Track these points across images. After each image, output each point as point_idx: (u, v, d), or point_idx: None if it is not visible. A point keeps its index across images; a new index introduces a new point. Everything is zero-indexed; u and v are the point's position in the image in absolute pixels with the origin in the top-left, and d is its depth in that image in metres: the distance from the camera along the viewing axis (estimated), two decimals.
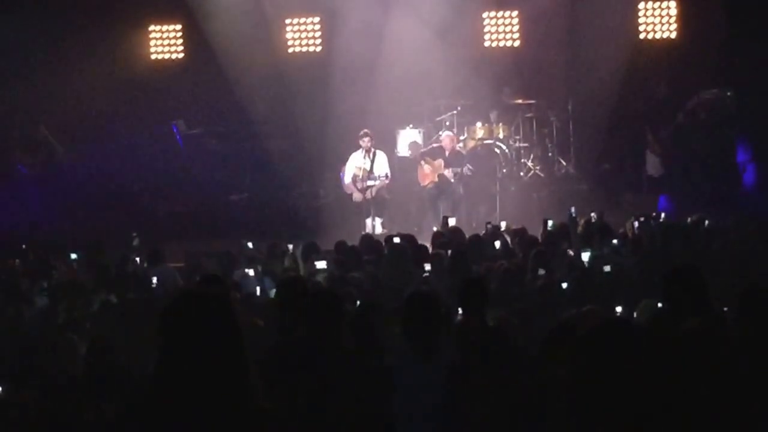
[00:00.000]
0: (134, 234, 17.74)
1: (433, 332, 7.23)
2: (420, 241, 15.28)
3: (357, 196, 20.87)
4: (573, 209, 18.00)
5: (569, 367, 3.68)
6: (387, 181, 20.92)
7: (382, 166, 20.91)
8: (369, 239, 16.08)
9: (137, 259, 15.06)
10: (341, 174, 21.41)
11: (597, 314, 8.60)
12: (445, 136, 21.65)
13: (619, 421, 3.55)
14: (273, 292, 11.56)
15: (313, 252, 14.38)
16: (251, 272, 13.37)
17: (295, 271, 13.51)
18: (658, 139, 22.79)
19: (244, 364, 3.99)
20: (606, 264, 12.96)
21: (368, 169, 20.83)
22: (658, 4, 23.18)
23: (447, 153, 21.26)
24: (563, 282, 12.28)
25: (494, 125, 22.83)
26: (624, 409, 3.55)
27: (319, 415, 6.80)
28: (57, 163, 23.98)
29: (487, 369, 7.28)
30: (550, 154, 23.34)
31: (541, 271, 12.92)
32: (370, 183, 20.82)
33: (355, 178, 20.93)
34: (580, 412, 3.62)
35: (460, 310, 8.86)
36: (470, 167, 21.00)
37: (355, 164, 21.03)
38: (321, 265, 13.54)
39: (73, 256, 15.73)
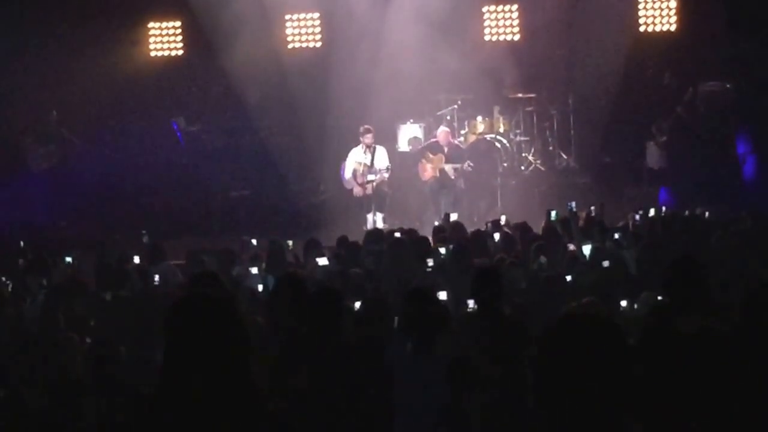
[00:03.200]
0: (143, 231, 17.73)
1: (432, 326, 7.23)
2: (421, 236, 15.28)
3: (357, 191, 20.90)
4: (573, 204, 18.01)
5: (534, 362, 3.69)
6: (387, 174, 20.90)
7: (382, 160, 20.93)
8: (374, 234, 16.05)
9: (136, 258, 15.00)
10: (341, 170, 21.41)
11: (594, 307, 8.62)
12: (440, 131, 21.63)
13: (578, 415, 3.56)
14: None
15: (314, 248, 14.38)
16: (255, 270, 13.34)
17: (297, 267, 13.50)
18: (661, 131, 22.77)
19: (249, 365, 3.98)
20: (606, 259, 12.94)
21: (368, 164, 20.84)
22: None
23: (445, 148, 21.24)
24: (566, 276, 12.28)
25: (495, 119, 22.84)
26: (582, 403, 3.56)
27: (319, 409, 6.80)
28: (70, 154, 23.96)
29: (500, 359, 7.30)
30: (550, 148, 23.33)
31: (543, 259, 12.94)
32: (370, 177, 20.84)
33: (355, 173, 20.95)
34: (545, 407, 3.64)
35: (471, 302, 8.88)
36: (471, 164, 20.99)
37: (355, 159, 21.05)
38: (323, 261, 13.55)
39: (73, 254, 15.72)
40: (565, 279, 12.13)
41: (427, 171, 21.28)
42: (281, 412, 4.25)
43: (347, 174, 21.15)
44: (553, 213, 16.74)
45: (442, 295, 9.96)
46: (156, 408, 3.99)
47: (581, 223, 16.60)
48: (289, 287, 7.85)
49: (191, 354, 3.89)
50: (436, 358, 7.06)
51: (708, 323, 6.79)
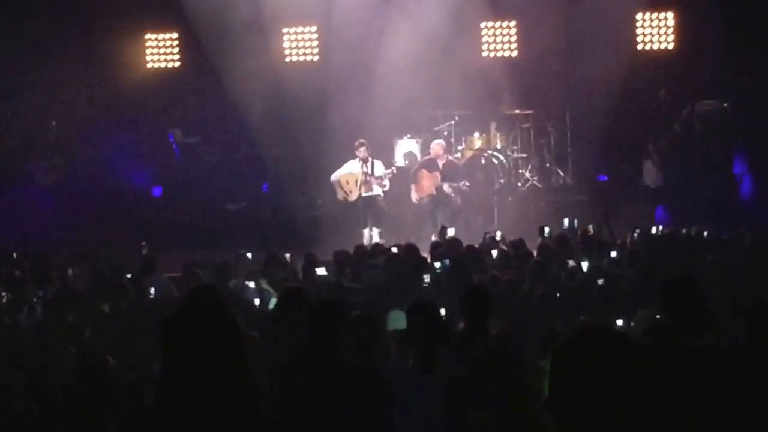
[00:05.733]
0: (143, 243, 17.72)
1: (433, 342, 7.20)
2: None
3: (343, 196, 21.08)
4: (576, 220, 18.05)
5: (549, 376, 3.67)
6: (390, 175, 21.00)
7: (380, 171, 20.99)
8: (371, 249, 16.04)
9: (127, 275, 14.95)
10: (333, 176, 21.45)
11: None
12: (435, 144, 21.60)
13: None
14: (272, 303, 11.52)
15: (311, 263, 14.34)
16: (251, 284, 13.29)
17: (294, 281, 13.46)
18: (658, 150, 22.78)
19: (247, 373, 3.97)
20: (602, 277, 12.93)
21: (369, 172, 20.89)
22: (656, 15, 23.18)
23: (441, 163, 21.20)
24: (558, 293, 12.26)
25: (492, 135, 22.85)
26: (598, 417, 3.55)
27: (320, 426, 6.77)
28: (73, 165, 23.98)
29: (488, 379, 7.26)
30: (547, 165, 23.32)
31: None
32: (366, 194, 20.88)
33: (349, 186, 21.00)
34: (559, 420, 3.62)
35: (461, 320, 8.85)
36: (467, 183, 20.98)
37: (348, 170, 21.09)
38: (321, 271, 13.53)
39: (70, 265, 15.69)
40: (557, 296, 12.12)
41: (424, 189, 21.23)
42: (281, 422, 4.22)
43: (333, 178, 21.25)
44: (546, 229, 16.73)
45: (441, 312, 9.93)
46: (155, 418, 3.98)
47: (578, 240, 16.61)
48: (291, 302, 7.82)
49: (187, 362, 3.88)
50: (437, 374, 7.03)
51: (705, 341, 6.77)
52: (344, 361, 7.14)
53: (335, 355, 7.07)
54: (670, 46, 23.18)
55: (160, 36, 25.08)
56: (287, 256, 15.48)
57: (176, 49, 25.08)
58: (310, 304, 7.78)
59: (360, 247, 16.62)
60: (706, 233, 17.11)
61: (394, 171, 21.42)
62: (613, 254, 14.89)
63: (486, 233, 17.29)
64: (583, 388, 3.54)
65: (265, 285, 13.24)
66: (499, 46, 23.65)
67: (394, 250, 15.10)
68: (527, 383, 7.33)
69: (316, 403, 6.84)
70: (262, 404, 4.07)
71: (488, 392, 7.16)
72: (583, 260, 14.00)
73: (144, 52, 25.06)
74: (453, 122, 22.76)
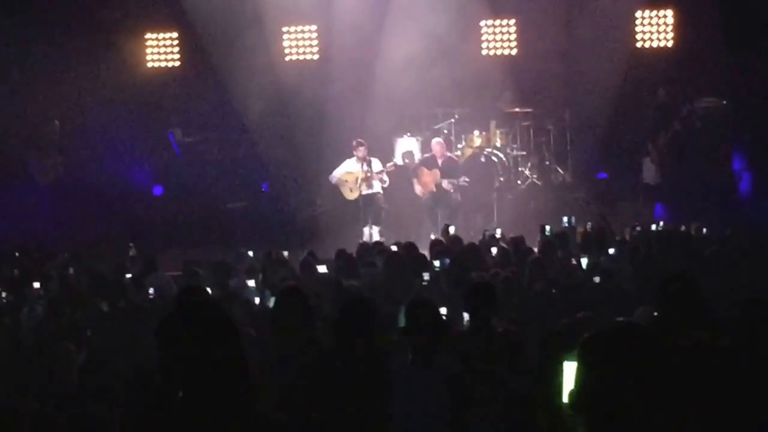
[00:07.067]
0: (131, 243, 17.75)
1: (432, 339, 7.22)
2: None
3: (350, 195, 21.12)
4: (573, 218, 18.04)
5: (578, 371, 3.66)
6: (390, 168, 21.04)
7: (378, 168, 21.05)
8: (371, 247, 16.05)
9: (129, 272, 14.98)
10: (332, 177, 21.47)
11: (592, 322, 8.62)
12: (434, 142, 21.65)
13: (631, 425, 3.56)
14: (272, 301, 11.52)
15: (310, 260, 14.35)
16: (251, 282, 13.30)
17: (294, 279, 13.47)
18: (657, 147, 22.80)
19: (245, 372, 3.99)
20: (601, 273, 12.94)
21: (368, 172, 20.92)
22: (654, 12, 23.20)
23: (440, 161, 21.25)
24: (554, 289, 12.27)
25: (492, 134, 22.87)
26: (637, 411, 3.56)
27: (320, 421, 6.79)
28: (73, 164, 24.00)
29: (491, 376, 7.29)
30: (547, 163, 23.33)
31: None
32: (366, 192, 20.90)
33: (348, 185, 21.06)
34: (592, 418, 3.62)
35: (466, 317, 8.86)
36: (466, 179, 21.01)
37: (346, 169, 21.12)
38: (322, 269, 13.54)
39: (71, 264, 15.71)
40: (559, 294, 12.13)
41: (423, 186, 21.27)
42: (281, 419, 4.25)
43: (332, 177, 21.30)
44: (548, 228, 16.74)
45: (441, 310, 9.93)
46: (155, 418, 4.01)
47: (578, 238, 16.63)
48: (290, 300, 7.83)
49: (188, 363, 3.90)
50: (436, 370, 7.05)
51: (703, 338, 6.80)
52: (352, 354, 7.13)
53: (360, 353, 7.06)
54: (669, 44, 23.20)
55: (160, 35, 25.09)
56: (285, 254, 15.50)
57: (176, 49, 25.09)
58: (309, 302, 7.80)
59: (363, 245, 16.66)
60: (705, 230, 17.13)
61: (394, 166, 21.41)
62: (612, 251, 14.92)
63: (485, 231, 17.32)
64: (617, 385, 3.54)
65: (265, 283, 13.27)
66: (498, 45, 23.68)
67: (394, 248, 15.11)
68: (529, 381, 7.36)
69: (317, 400, 6.87)
70: (262, 402, 4.10)
71: (491, 390, 7.19)
72: (583, 257, 14.03)
73: (144, 51, 25.07)
74: (453, 120, 22.79)
